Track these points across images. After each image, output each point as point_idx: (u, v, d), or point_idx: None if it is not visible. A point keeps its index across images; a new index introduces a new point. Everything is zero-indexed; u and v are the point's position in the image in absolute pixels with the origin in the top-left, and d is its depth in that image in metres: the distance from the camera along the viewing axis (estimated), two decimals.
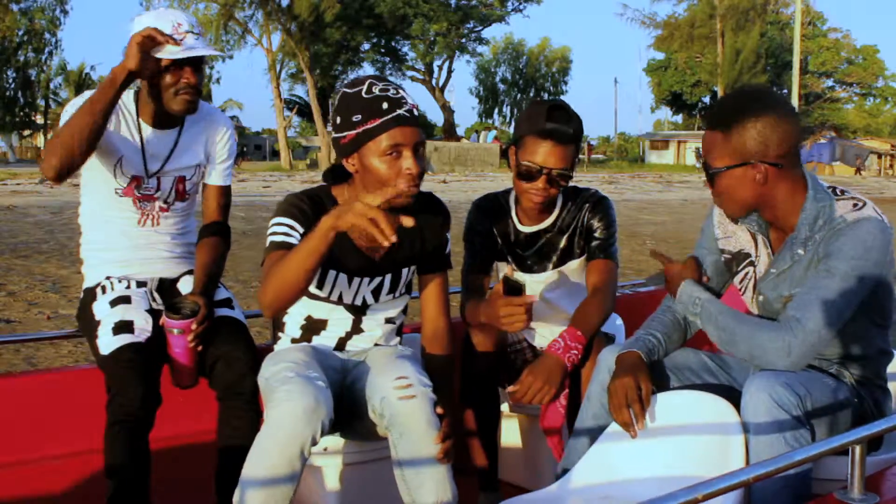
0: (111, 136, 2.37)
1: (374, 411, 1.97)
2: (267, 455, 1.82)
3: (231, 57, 43.49)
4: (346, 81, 2.05)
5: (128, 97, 2.44)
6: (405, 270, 2.22)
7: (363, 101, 1.96)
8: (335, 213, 1.79)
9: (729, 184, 1.98)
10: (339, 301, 2.17)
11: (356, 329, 2.23)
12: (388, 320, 2.26)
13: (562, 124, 2.36)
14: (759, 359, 1.91)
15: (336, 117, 2.02)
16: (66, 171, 2.25)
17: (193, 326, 2.31)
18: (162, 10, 2.46)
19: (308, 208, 2.06)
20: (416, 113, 2.00)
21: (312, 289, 2.15)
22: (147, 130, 2.43)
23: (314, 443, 1.84)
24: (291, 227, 2.03)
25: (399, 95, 1.98)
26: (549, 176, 2.37)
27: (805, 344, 1.86)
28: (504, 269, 2.66)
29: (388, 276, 2.20)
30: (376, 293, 2.20)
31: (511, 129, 55.39)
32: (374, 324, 2.24)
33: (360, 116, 1.96)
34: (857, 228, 1.89)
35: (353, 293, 2.17)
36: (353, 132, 1.97)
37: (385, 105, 1.96)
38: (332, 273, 2.14)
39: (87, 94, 2.32)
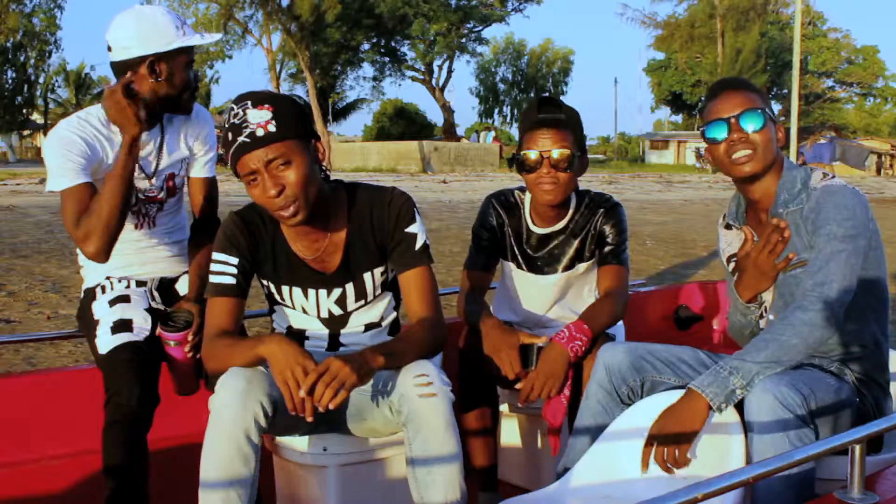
0: (99, 159, 2.33)
1: (391, 407, 1.96)
2: (215, 448, 1.83)
3: (231, 57, 43.53)
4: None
5: (100, 111, 2.36)
6: (367, 276, 2.12)
7: (223, 132, 1.94)
8: (269, 354, 1.83)
9: (767, 137, 2.07)
10: (306, 314, 2.15)
11: (335, 341, 2.18)
12: (371, 325, 2.19)
13: (552, 112, 2.41)
14: (812, 337, 1.90)
15: None
16: (111, 247, 2.27)
17: (189, 338, 2.31)
18: (148, 8, 2.40)
19: (240, 234, 2.06)
20: (262, 133, 1.87)
21: (279, 300, 2.15)
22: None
23: (260, 426, 1.85)
24: (225, 263, 2.04)
25: (242, 119, 1.89)
26: (549, 160, 2.39)
27: (832, 304, 1.91)
28: (508, 267, 2.65)
29: (350, 286, 2.11)
30: (342, 304, 2.13)
31: (511, 129, 55.47)
32: (355, 333, 2.18)
33: (222, 149, 1.98)
34: (833, 196, 2.00)
35: (314, 306, 2.13)
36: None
37: (230, 135, 1.91)
38: (286, 288, 2.12)
39: (69, 130, 2.29)
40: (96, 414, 2.19)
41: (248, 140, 1.88)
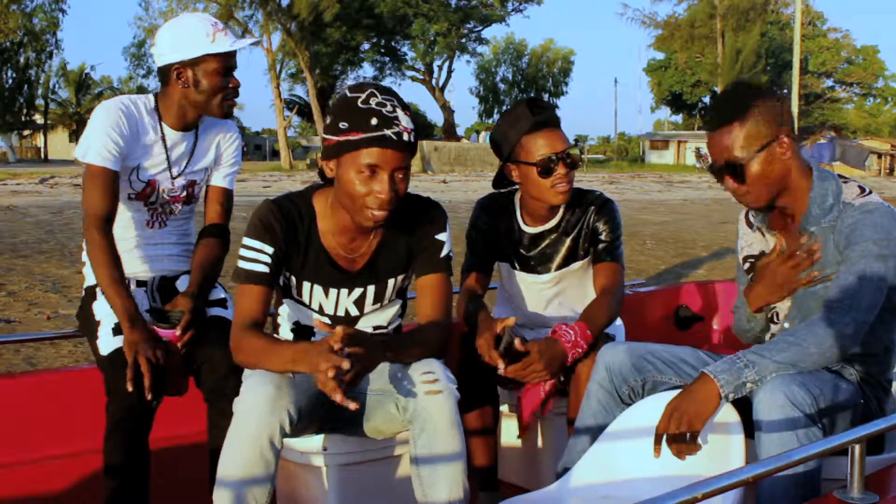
0: (134, 146, 2.38)
1: (397, 404, 1.96)
2: (237, 450, 1.82)
3: None
4: (350, 84, 1.97)
5: (149, 100, 2.44)
6: (391, 281, 2.14)
7: (355, 110, 1.89)
8: (301, 359, 1.79)
9: (760, 169, 2.01)
10: (321, 311, 2.14)
11: None
12: (378, 328, 2.19)
13: (548, 112, 2.42)
14: (831, 352, 1.89)
15: (328, 116, 1.96)
16: None
17: (177, 332, 2.29)
18: (188, 15, 2.49)
19: (277, 223, 2.02)
20: (406, 138, 1.89)
21: (295, 295, 2.15)
22: (170, 133, 2.44)
23: (284, 433, 1.84)
24: (259, 251, 2.00)
25: (393, 115, 1.89)
26: (565, 160, 2.40)
27: (858, 322, 1.90)
28: (504, 268, 2.66)
29: (371, 288, 2.13)
30: (359, 304, 2.14)
31: None
32: None
33: (346, 125, 1.89)
34: (871, 215, 1.97)
35: (332, 304, 2.13)
36: (336, 138, 1.90)
37: (374, 121, 1.87)
38: (307, 284, 2.11)
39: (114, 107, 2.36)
40: (96, 414, 2.20)
41: (394, 137, 1.88)
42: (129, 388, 2.13)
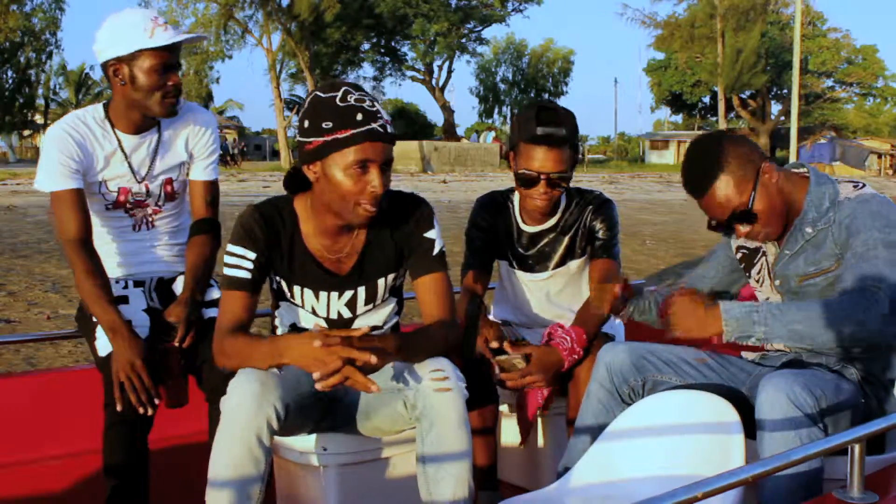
0: (90, 163, 2.35)
1: (405, 402, 1.95)
2: (226, 450, 1.82)
3: (231, 57, 43.55)
4: (320, 85, 1.93)
5: (97, 111, 2.38)
6: (381, 281, 2.12)
7: (336, 109, 1.87)
8: (285, 348, 1.81)
9: (764, 203, 2.03)
10: (315, 314, 2.14)
11: None
12: (374, 328, 2.17)
13: (553, 127, 2.37)
14: (856, 330, 1.84)
15: (304, 120, 1.91)
16: None
17: (175, 344, 2.29)
18: (130, 10, 2.38)
19: (258, 229, 2.01)
20: (389, 129, 1.90)
21: (289, 298, 2.14)
22: (126, 139, 2.39)
23: (272, 430, 1.84)
24: (242, 257, 2.00)
25: (374, 109, 1.89)
26: (547, 180, 2.38)
27: (889, 309, 1.85)
28: (503, 267, 2.67)
29: (361, 289, 2.11)
30: (351, 306, 2.12)
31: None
32: None
33: (330, 124, 1.86)
34: (867, 204, 1.99)
35: (324, 307, 2.12)
36: (321, 139, 1.87)
37: (359, 116, 1.86)
38: (297, 288, 2.10)
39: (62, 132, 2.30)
40: (96, 414, 2.20)
41: (381, 130, 1.88)
42: (119, 408, 2.13)
